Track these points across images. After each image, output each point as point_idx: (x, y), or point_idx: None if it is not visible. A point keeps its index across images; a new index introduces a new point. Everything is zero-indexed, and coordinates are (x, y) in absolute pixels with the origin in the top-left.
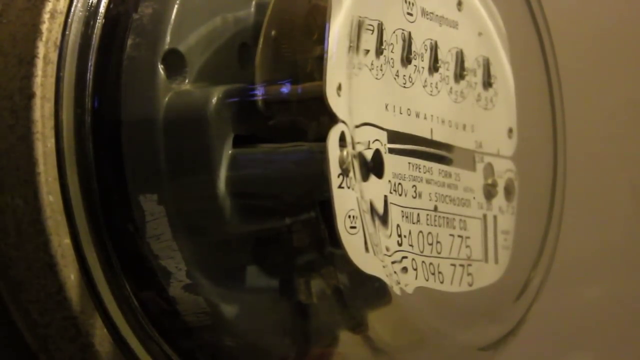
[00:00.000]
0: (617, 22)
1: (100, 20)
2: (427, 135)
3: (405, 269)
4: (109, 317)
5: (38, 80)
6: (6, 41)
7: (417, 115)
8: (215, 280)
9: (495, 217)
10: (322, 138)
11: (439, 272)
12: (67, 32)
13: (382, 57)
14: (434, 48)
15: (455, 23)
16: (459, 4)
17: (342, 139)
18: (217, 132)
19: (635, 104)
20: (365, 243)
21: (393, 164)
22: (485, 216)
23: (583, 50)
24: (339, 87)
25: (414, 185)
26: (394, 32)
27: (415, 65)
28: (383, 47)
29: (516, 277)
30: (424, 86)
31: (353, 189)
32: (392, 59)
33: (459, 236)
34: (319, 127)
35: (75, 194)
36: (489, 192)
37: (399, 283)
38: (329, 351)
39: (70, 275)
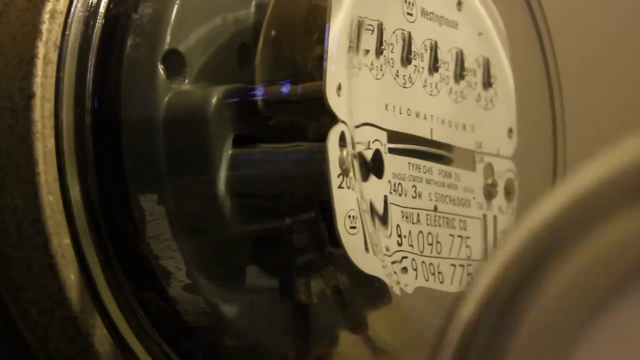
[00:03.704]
0: (617, 22)
1: (100, 21)
2: (427, 135)
3: (405, 269)
4: (109, 317)
5: (38, 80)
6: (6, 41)
7: (417, 115)
8: (215, 280)
9: (495, 217)
10: (322, 138)
11: (439, 272)
12: (67, 32)
13: (382, 57)
14: (434, 48)
15: (455, 23)
16: (459, 4)
17: (342, 139)
18: (217, 132)
19: (635, 104)
20: (365, 243)
21: (393, 164)
22: (485, 216)
23: (583, 50)
24: (339, 87)
25: (413, 185)
26: (393, 32)
27: (415, 65)
28: (383, 47)
29: None
30: (424, 86)
31: (353, 189)
32: (392, 59)
33: (459, 236)
34: (319, 127)
35: (75, 194)
36: (489, 192)
37: (399, 283)
38: (329, 351)
39: (70, 275)
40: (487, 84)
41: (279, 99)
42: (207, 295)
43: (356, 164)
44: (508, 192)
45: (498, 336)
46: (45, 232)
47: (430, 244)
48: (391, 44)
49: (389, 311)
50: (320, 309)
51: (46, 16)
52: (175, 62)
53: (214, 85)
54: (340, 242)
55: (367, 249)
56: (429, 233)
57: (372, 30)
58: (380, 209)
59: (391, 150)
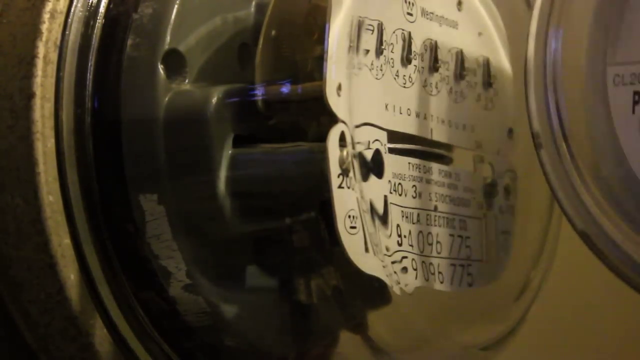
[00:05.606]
0: None
1: (100, 20)
2: (427, 135)
3: (405, 269)
4: (109, 317)
5: (38, 80)
6: (6, 41)
7: (417, 115)
8: (215, 280)
9: (495, 217)
10: (322, 138)
11: (439, 272)
12: (67, 32)
13: (382, 57)
14: (434, 48)
15: (455, 23)
16: (459, 3)
17: (342, 139)
18: (217, 132)
19: None
20: (365, 243)
21: (393, 164)
22: (485, 216)
23: None
24: (339, 87)
25: (414, 185)
26: (394, 32)
27: (415, 65)
28: (383, 47)
29: (516, 277)
30: (424, 86)
31: (353, 189)
32: (392, 59)
33: (459, 236)
34: (319, 127)
35: (75, 194)
36: (489, 192)
37: (399, 283)
38: (329, 351)
39: (70, 275)
40: (487, 84)
41: (279, 99)
42: (207, 295)
43: (356, 163)
44: (508, 192)
45: None
46: (45, 232)
47: (430, 244)
48: (391, 43)
49: (389, 311)
50: (320, 309)
51: (46, 16)
52: (175, 62)
53: (214, 85)
54: (340, 242)
55: (367, 249)
56: (429, 233)
57: (372, 30)
58: (380, 208)
59: (391, 150)
